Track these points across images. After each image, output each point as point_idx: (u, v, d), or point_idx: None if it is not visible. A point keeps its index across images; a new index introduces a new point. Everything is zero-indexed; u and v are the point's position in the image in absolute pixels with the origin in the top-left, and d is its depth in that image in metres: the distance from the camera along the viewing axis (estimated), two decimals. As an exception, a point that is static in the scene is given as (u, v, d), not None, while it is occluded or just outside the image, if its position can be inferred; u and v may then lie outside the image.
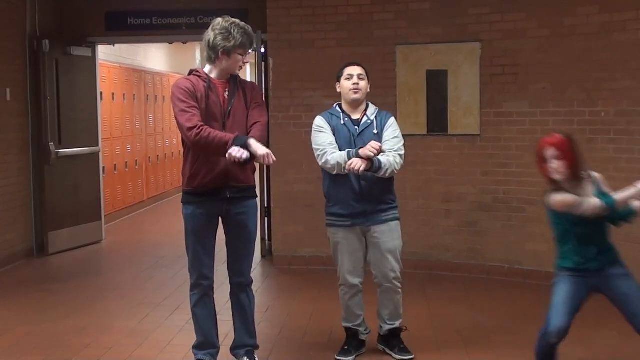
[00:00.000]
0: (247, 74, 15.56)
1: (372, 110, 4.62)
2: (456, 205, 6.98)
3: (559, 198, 3.75)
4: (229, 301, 4.41)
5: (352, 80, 4.53)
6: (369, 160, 4.30)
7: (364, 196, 4.46)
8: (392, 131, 4.53)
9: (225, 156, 3.89)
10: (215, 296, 4.37)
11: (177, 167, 12.41)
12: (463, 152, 6.91)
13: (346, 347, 4.66)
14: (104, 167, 9.19)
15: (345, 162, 4.32)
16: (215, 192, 4.13)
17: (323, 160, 4.46)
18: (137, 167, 11.33)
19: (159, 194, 12.37)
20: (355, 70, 4.57)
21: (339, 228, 4.55)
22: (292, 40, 7.24)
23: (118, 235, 9.35)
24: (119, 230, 9.71)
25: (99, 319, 5.63)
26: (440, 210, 7.04)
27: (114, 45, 9.90)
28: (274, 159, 3.91)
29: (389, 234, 4.54)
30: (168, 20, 8.31)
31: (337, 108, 4.63)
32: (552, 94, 6.48)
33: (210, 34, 4.10)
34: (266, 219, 7.71)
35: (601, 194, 3.79)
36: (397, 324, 4.67)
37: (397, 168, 4.45)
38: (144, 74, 11.82)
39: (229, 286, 4.38)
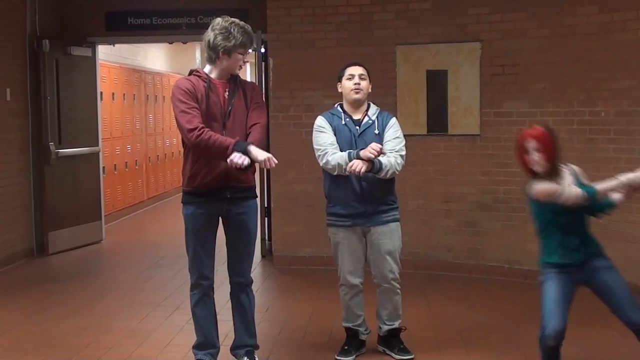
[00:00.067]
0: (247, 74, 15.56)
1: (373, 110, 4.62)
2: (456, 205, 6.98)
3: (541, 187, 3.79)
4: (229, 301, 4.41)
5: (354, 80, 4.53)
6: (370, 161, 4.30)
7: (364, 197, 4.46)
8: (394, 131, 4.53)
9: (225, 160, 3.91)
10: (215, 296, 4.37)
11: (177, 167, 12.41)
12: (463, 152, 6.91)
13: (346, 347, 4.66)
14: (104, 167, 9.19)
15: (346, 163, 4.32)
16: (216, 192, 4.13)
17: (324, 161, 4.46)
18: (137, 167, 11.34)
19: (159, 194, 12.37)
20: (356, 70, 4.57)
21: (340, 228, 4.55)
22: (292, 40, 7.24)
23: (118, 235, 9.35)
24: (119, 230, 9.71)
25: (99, 319, 5.63)
26: (440, 210, 7.04)
27: (114, 45, 9.90)
28: (276, 162, 3.92)
29: (389, 235, 4.54)
30: (168, 20, 8.31)
31: (339, 108, 4.63)
32: (552, 94, 6.48)
33: (210, 34, 4.10)
34: (266, 219, 7.71)
35: (581, 185, 3.82)
36: (396, 324, 4.67)
37: (398, 169, 4.45)
38: (144, 74, 11.82)
39: (229, 286, 4.38)
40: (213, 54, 4.10)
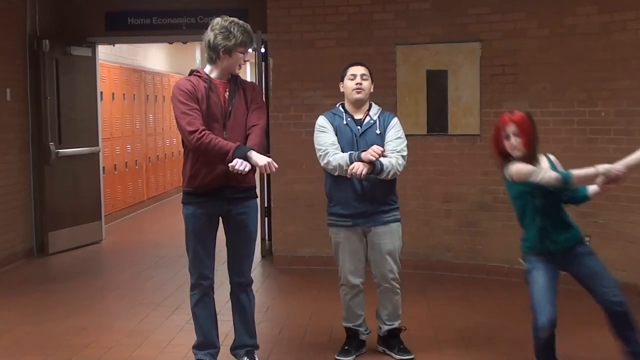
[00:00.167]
0: (247, 73, 15.56)
1: (374, 110, 4.62)
2: (456, 205, 6.98)
3: (517, 167, 3.85)
4: (229, 301, 4.41)
5: (355, 80, 4.53)
6: (371, 163, 4.30)
7: (365, 197, 4.46)
8: (395, 132, 4.53)
9: (224, 164, 3.92)
10: (215, 296, 4.37)
11: (177, 167, 12.41)
12: (463, 152, 6.91)
13: (346, 347, 4.66)
14: (104, 167, 9.19)
15: (347, 165, 4.32)
16: (216, 192, 4.13)
17: (325, 161, 4.46)
18: (137, 167, 11.34)
19: (159, 194, 12.37)
20: (358, 70, 4.57)
21: (340, 228, 4.55)
22: (292, 40, 7.24)
23: (118, 235, 9.35)
24: (119, 230, 9.71)
25: (99, 319, 5.63)
26: (440, 210, 7.04)
27: (114, 45, 9.90)
28: (276, 166, 3.93)
29: (389, 236, 4.54)
30: (168, 20, 8.31)
31: (340, 108, 4.63)
32: (552, 94, 6.48)
33: (210, 34, 4.10)
34: (266, 219, 7.71)
35: (558, 170, 3.88)
36: (396, 324, 4.67)
37: (400, 169, 4.45)
38: (144, 74, 11.82)
39: (229, 286, 4.38)
40: (213, 53, 4.10)
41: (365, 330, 4.73)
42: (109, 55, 10.20)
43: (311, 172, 6.67)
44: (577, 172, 3.80)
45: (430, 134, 7.02)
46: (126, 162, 10.81)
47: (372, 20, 7.09)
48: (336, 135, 4.50)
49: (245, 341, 4.38)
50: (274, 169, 3.93)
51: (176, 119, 4.05)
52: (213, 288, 4.33)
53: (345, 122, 4.54)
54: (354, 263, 4.57)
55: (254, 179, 4.31)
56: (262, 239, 7.65)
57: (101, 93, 9.11)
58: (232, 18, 4.14)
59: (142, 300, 6.14)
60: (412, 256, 6.74)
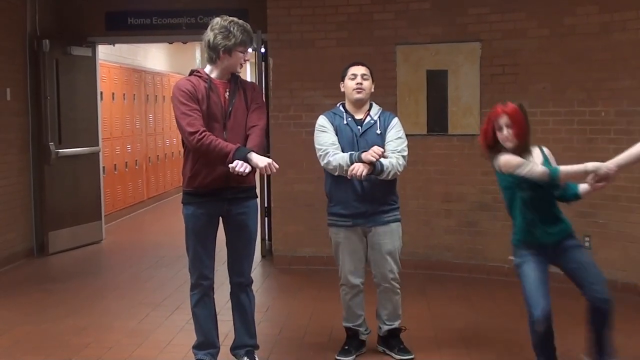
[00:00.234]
0: (247, 73, 15.56)
1: (375, 110, 4.61)
2: (456, 205, 6.98)
3: (506, 158, 3.87)
4: (229, 301, 4.41)
5: (356, 80, 4.53)
6: (371, 164, 4.30)
7: (365, 197, 4.46)
8: (396, 132, 4.53)
9: (225, 165, 3.92)
10: (215, 296, 4.37)
11: (177, 167, 12.41)
12: (463, 151, 6.91)
13: (346, 347, 4.66)
14: (104, 167, 9.19)
15: (347, 165, 4.32)
16: (216, 193, 4.13)
17: (325, 161, 4.46)
18: (137, 167, 11.34)
19: (159, 194, 12.37)
20: (359, 70, 4.57)
21: (340, 228, 4.55)
22: (292, 40, 7.24)
23: (118, 235, 9.35)
24: (119, 230, 9.71)
25: (99, 319, 5.63)
26: (440, 210, 7.04)
27: (114, 45, 9.90)
28: (276, 167, 3.93)
29: (390, 236, 4.54)
30: (168, 20, 8.31)
31: (341, 108, 4.63)
32: (552, 94, 6.48)
33: (209, 34, 4.10)
34: (266, 219, 7.71)
35: (548, 165, 3.89)
36: (395, 324, 4.67)
37: (400, 170, 4.44)
38: (144, 73, 11.82)
39: (229, 286, 4.38)
40: (213, 53, 4.10)
41: (365, 330, 4.73)
42: (109, 55, 10.20)
43: (311, 172, 6.66)
44: (564, 168, 3.82)
45: (430, 134, 7.02)
46: (126, 162, 10.81)
47: (372, 20, 7.09)
48: (336, 135, 4.50)
49: (245, 341, 4.38)
50: (274, 170, 3.94)
51: (176, 120, 4.05)
52: (213, 288, 4.34)
53: (345, 122, 4.54)
54: (354, 263, 4.56)
55: (254, 179, 4.30)
56: (262, 239, 7.65)
57: (101, 93, 9.11)
58: (231, 17, 4.14)
59: (142, 300, 6.14)
60: (412, 256, 6.74)
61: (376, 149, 4.32)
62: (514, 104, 3.96)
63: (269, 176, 7.53)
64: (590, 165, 3.76)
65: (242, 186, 4.17)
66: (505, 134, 3.89)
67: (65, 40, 8.20)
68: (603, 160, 3.77)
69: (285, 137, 7.22)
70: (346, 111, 4.59)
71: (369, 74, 4.58)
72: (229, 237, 4.30)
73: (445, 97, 6.94)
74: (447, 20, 6.88)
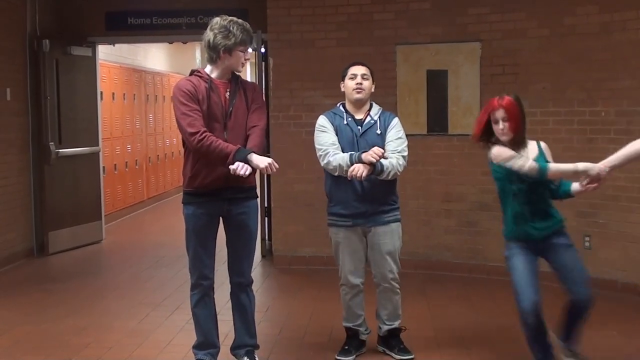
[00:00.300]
0: (247, 73, 15.56)
1: (375, 110, 4.61)
2: (456, 205, 6.98)
3: (498, 150, 3.90)
4: (229, 301, 4.41)
5: (356, 80, 4.53)
6: (371, 164, 4.30)
7: (365, 197, 4.46)
8: (396, 132, 4.53)
9: (225, 167, 3.93)
10: (215, 296, 4.37)
11: (177, 167, 12.42)
12: (463, 151, 6.91)
13: (346, 347, 4.66)
14: (104, 167, 9.19)
15: (347, 166, 4.32)
16: (216, 193, 4.13)
17: (325, 161, 4.46)
18: (137, 167, 11.34)
19: (159, 193, 12.37)
20: (359, 69, 4.56)
21: (340, 228, 4.55)
22: (292, 40, 7.24)
23: (118, 235, 9.35)
24: (119, 230, 9.72)
25: (99, 319, 5.63)
26: (440, 210, 7.04)
27: (114, 45, 9.90)
28: (277, 167, 3.93)
29: (390, 236, 4.54)
30: (168, 20, 8.31)
31: (341, 108, 4.63)
32: (552, 94, 6.48)
33: (209, 34, 4.10)
34: (266, 218, 7.71)
35: (540, 161, 3.90)
36: (395, 324, 4.66)
37: (400, 170, 4.44)
38: (144, 73, 11.82)
39: (229, 286, 4.38)
40: (214, 53, 4.10)
41: (365, 330, 4.73)
42: (109, 55, 10.20)
43: (311, 172, 6.66)
44: (554, 165, 3.85)
45: (430, 134, 7.02)
46: (126, 162, 10.81)
47: (372, 20, 7.09)
48: (337, 135, 4.50)
49: (246, 341, 4.38)
50: (275, 170, 3.94)
51: (177, 120, 4.05)
52: (213, 288, 4.33)
53: (345, 122, 4.54)
54: (354, 263, 4.56)
55: (254, 179, 4.30)
56: (262, 239, 7.64)
57: (101, 93, 9.12)
58: (231, 17, 4.14)
59: (142, 300, 6.14)
60: (412, 256, 6.74)
61: (376, 150, 4.32)
62: (510, 96, 3.98)
63: (269, 176, 7.53)
64: (581, 165, 3.76)
65: (242, 186, 4.17)
66: (501, 127, 3.91)
67: (65, 40, 8.21)
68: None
69: (285, 137, 7.22)
70: (346, 111, 4.59)
71: (369, 74, 4.57)
72: (229, 237, 4.30)
73: (445, 97, 6.94)
74: (447, 20, 6.88)
